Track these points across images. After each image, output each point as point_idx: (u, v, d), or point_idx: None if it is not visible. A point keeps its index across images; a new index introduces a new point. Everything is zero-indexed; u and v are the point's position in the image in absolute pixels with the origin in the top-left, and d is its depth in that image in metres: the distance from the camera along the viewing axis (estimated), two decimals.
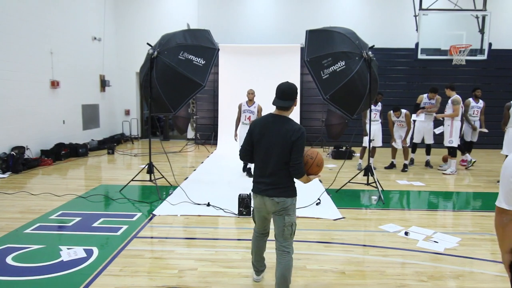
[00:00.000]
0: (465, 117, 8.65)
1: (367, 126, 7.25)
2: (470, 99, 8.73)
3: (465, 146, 8.92)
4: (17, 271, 3.51)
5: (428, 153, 8.93)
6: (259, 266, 3.40)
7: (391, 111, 8.34)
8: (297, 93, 3.02)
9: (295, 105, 3.02)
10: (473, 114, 8.74)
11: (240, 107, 7.75)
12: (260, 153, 3.00)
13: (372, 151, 7.82)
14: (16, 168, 7.81)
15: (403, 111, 8.24)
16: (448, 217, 5.48)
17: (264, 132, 2.97)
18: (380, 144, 8.39)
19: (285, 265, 2.96)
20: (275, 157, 2.92)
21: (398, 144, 8.37)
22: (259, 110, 7.65)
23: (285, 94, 2.96)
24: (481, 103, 8.77)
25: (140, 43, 8.02)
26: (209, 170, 8.41)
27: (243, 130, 7.46)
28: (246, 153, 3.11)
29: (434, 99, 8.65)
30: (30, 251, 3.95)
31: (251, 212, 3.50)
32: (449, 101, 8.01)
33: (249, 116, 7.61)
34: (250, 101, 7.66)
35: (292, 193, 3.02)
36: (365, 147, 8.35)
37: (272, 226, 3.21)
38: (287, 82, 3.03)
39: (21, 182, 7.10)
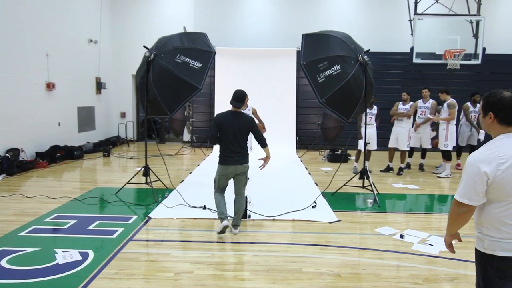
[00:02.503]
0: (469, 121, 8.68)
1: (362, 129, 7.29)
2: (468, 103, 8.74)
3: (459, 151, 9.00)
4: (12, 274, 3.49)
5: (423, 156, 8.99)
6: (225, 212, 4.53)
7: (400, 102, 8.46)
8: (246, 97, 4.66)
9: (244, 104, 4.66)
10: (473, 119, 8.71)
11: None
12: (229, 137, 4.42)
13: (368, 154, 7.85)
14: (10, 171, 7.76)
15: (410, 102, 8.36)
16: (443, 220, 5.50)
17: (229, 123, 4.44)
18: (375, 147, 8.43)
19: (242, 202, 4.70)
20: (241, 138, 4.47)
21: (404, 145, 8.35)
22: (254, 112, 7.56)
23: (240, 98, 4.54)
24: (478, 107, 8.83)
25: (136, 46, 8.02)
26: (205, 173, 8.38)
27: None
28: (216, 139, 4.53)
29: (429, 102, 8.68)
30: (25, 254, 3.93)
31: (215, 181, 4.64)
32: (445, 105, 8.07)
33: None
34: (244, 105, 7.57)
35: (248, 158, 4.62)
36: (360, 150, 8.39)
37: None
38: (241, 90, 4.60)
39: (15, 185, 7.05)
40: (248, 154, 4.62)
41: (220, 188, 4.66)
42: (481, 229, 2.10)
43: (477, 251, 2.15)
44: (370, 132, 8.00)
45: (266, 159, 4.75)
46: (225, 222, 4.42)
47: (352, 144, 8.79)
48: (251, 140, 7.97)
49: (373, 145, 8.30)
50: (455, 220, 2.15)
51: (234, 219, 4.64)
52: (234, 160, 4.46)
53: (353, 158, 9.33)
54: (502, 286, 2.01)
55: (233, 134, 4.43)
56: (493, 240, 2.02)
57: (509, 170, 1.91)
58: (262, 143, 4.63)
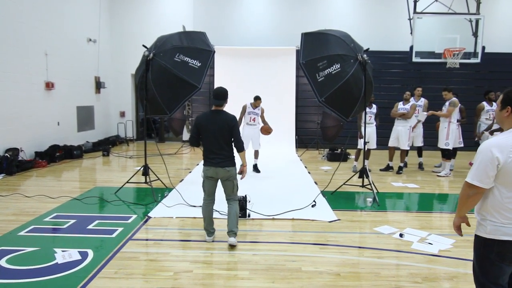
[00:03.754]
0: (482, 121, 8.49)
1: (362, 128, 7.29)
2: (484, 102, 8.53)
3: None
4: (11, 274, 3.49)
5: (419, 155, 8.98)
6: (210, 228, 4.34)
7: (400, 102, 8.44)
8: (227, 94, 4.23)
9: (226, 103, 4.25)
10: (490, 117, 8.36)
11: (244, 108, 8.07)
12: (209, 138, 4.13)
13: (367, 153, 7.85)
14: (10, 170, 7.75)
15: (411, 102, 8.35)
16: (442, 219, 5.51)
17: (209, 123, 4.14)
18: (375, 146, 8.43)
19: (236, 207, 4.31)
20: (222, 139, 4.12)
21: (404, 144, 8.34)
22: (262, 111, 8.09)
23: (220, 96, 4.18)
24: (494, 106, 8.47)
25: (135, 45, 7.98)
26: None
27: (247, 130, 7.92)
28: (195, 140, 4.27)
29: (421, 101, 8.68)
30: (24, 254, 3.93)
31: (202, 183, 4.32)
32: (447, 103, 8.02)
33: (254, 118, 8.04)
34: (256, 105, 8.07)
35: (234, 162, 4.23)
36: (360, 149, 8.38)
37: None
38: (221, 87, 4.27)
39: (15, 184, 7.05)
40: (233, 157, 4.21)
41: (207, 193, 4.30)
42: (485, 214, 2.22)
43: (477, 237, 2.27)
44: (369, 131, 8.01)
45: (243, 168, 4.37)
46: (209, 239, 4.31)
47: (351, 143, 8.79)
48: (259, 138, 8.06)
49: (372, 144, 8.30)
50: (465, 202, 2.29)
51: (228, 225, 4.20)
52: (215, 162, 4.12)
53: (353, 157, 9.33)
54: (499, 269, 2.16)
55: (214, 135, 4.11)
56: (496, 225, 2.16)
57: None
58: (239, 146, 4.23)
